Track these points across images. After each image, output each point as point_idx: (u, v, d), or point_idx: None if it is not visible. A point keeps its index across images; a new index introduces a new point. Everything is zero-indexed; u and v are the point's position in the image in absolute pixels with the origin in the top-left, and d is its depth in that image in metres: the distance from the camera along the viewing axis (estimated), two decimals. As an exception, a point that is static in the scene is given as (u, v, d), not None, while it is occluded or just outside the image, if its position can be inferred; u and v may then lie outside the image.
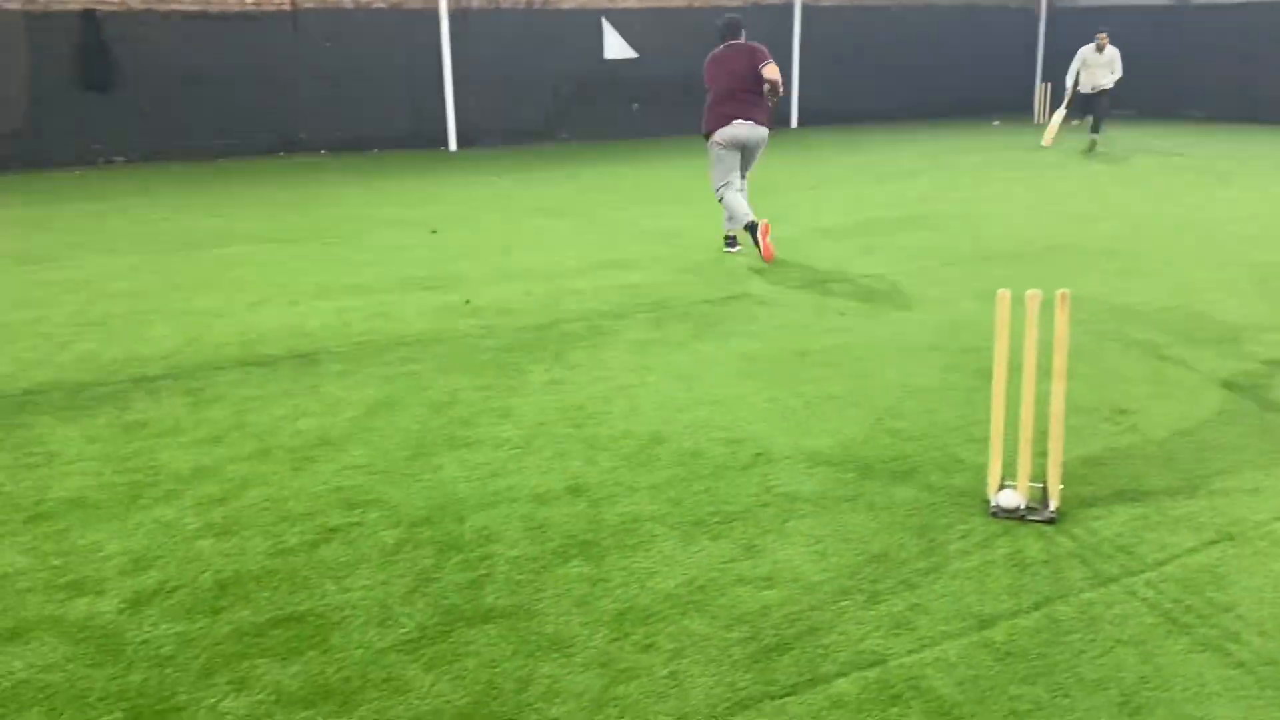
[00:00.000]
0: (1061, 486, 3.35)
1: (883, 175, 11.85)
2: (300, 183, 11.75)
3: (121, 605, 2.86)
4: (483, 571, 3.02)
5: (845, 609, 2.79)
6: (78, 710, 2.41)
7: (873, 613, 2.77)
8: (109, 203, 10.33)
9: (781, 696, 2.43)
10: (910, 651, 2.60)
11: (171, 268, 7.27)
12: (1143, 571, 2.96)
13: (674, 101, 15.36)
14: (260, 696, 2.46)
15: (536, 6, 15.42)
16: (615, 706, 2.41)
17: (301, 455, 3.89)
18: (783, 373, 4.79)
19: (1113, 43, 13.29)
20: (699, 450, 3.89)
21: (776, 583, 2.93)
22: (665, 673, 2.53)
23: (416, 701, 2.43)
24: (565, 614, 2.79)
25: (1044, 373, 3.34)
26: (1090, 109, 13.65)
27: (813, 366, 4.88)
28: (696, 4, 16.21)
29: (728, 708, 2.40)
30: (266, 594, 2.91)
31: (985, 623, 2.72)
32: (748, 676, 2.51)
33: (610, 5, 15.93)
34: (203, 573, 3.03)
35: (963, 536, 3.18)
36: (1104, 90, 13.35)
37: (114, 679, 2.53)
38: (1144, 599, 2.82)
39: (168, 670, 2.56)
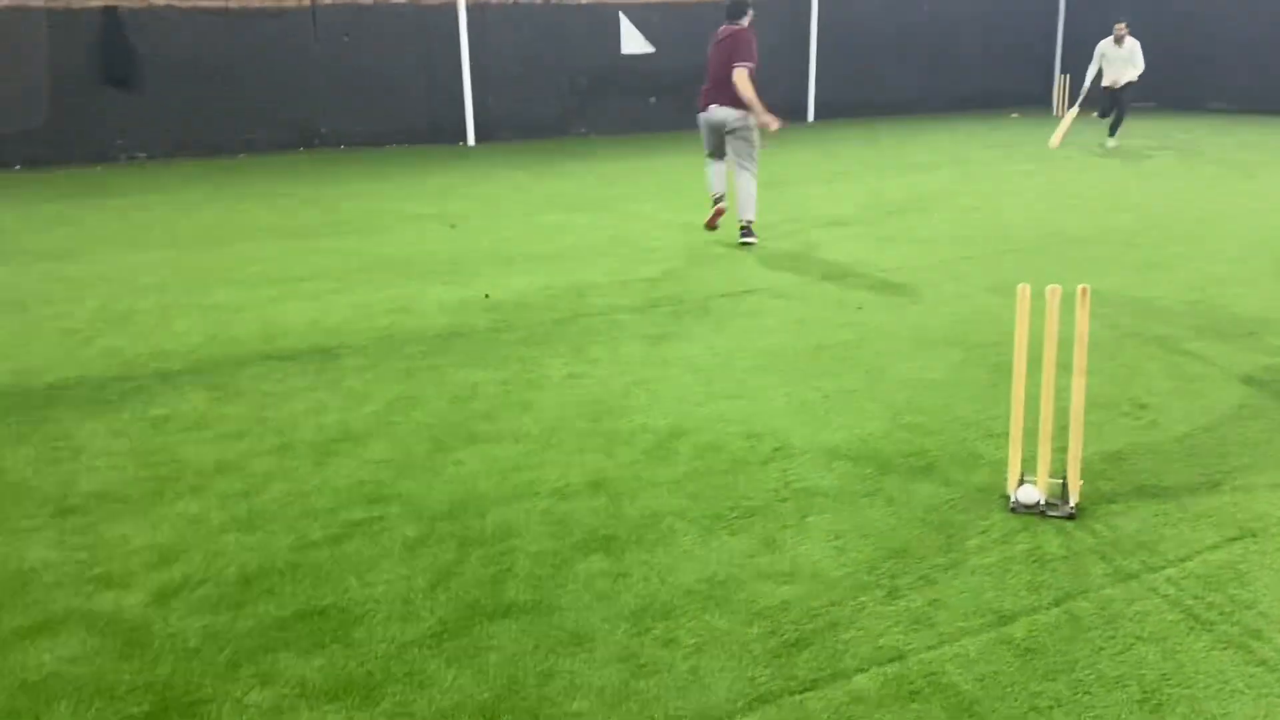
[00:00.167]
0: (1081, 482, 3.34)
1: (899, 168, 11.80)
2: (320, 178, 11.81)
3: (148, 599, 2.89)
4: (504, 566, 3.04)
5: (865, 604, 2.80)
6: (106, 702, 2.44)
7: (892, 608, 2.78)
8: (131, 199, 10.42)
9: (801, 692, 2.44)
10: (930, 647, 2.60)
11: (193, 263, 7.33)
12: (1164, 568, 2.96)
13: (691, 95, 15.20)
14: (284, 690, 2.49)
15: (554, 2, 15.42)
16: (636, 701, 2.42)
17: (323, 450, 3.93)
18: (800, 366, 4.80)
19: (1132, 34, 12.72)
20: (718, 444, 3.90)
21: (796, 578, 2.94)
22: (685, 668, 2.54)
23: (438, 695, 2.46)
24: (586, 609, 2.81)
25: (1063, 368, 3.33)
26: (1113, 105, 12.99)
27: (830, 360, 4.88)
28: (715, -3, 16.16)
29: (747, 703, 2.41)
30: (290, 588, 2.94)
31: (1005, 619, 2.72)
32: (767, 671, 2.52)
33: (627, 0, 15.92)
34: (227, 566, 3.07)
35: (982, 532, 3.18)
36: (1128, 84, 12.74)
37: (141, 671, 2.56)
38: (1165, 595, 2.81)
39: (193, 663, 2.59)
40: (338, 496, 3.52)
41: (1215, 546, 3.07)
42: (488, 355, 5.07)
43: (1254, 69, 17.15)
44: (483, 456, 3.84)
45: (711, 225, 7.90)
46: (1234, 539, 3.12)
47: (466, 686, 2.48)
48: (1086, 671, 2.50)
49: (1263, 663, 2.52)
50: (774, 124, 7.38)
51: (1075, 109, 13.10)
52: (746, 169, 7.54)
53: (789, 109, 17.42)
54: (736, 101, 7.37)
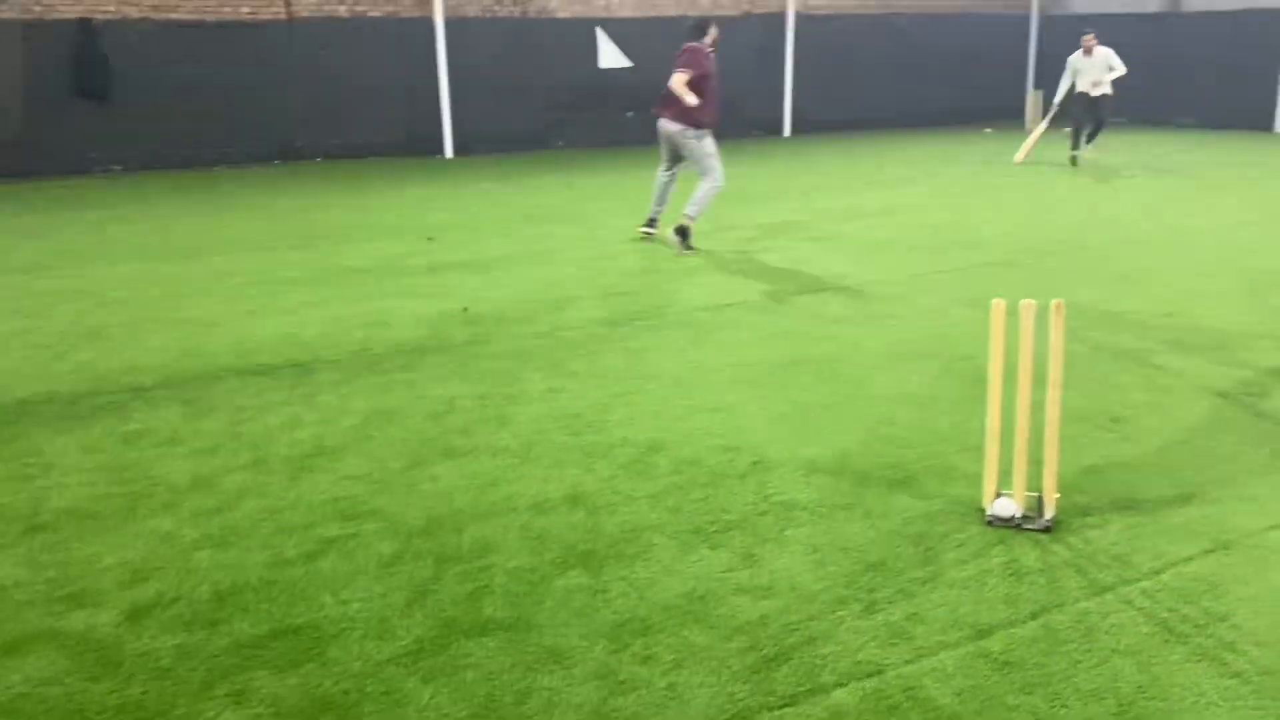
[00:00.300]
0: (1057, 495, 3.36)
1: (875, 183, 11.88)
2: (296, 191, 11.76)
3: (120, 617, 2.85)
4: (481, 583, 3.02)
5: (843, 618, 2.80)
6: (76, 723, 2.41)
7: (870, 622, 2.78)
8: (105, 212, 10.33)
9: (780, 707, 2.44)
10: (908, 661, 2.61)
11: (168, 277, 7.27)
12: (1138, 580, 2.98)
13: (669, 109, 15.36)
14: (259, 709, 2.46)
15: (532, 16, 15.45)
16: (614, 719, 2.41)
17: (298, 465, 3.90)
18: (779, 380, 4.81)
19: (1102, 44, 12.53)
20: (697, 458, 3.90)
21: (775, 592, 2.94)
22: (664, 684, 2.53)
23: (415, 714, 2.44)
24: (564, 625, 2.79)
25: (1038, 381, 3.35)
26: (1092, 114, 12.81)
27: (808, 374, 4.89)
28: (691, 14, 16.24)
29: (727, 719, 2.40)
30: (264, 606, 2.91)
31: (982, 632, 2.73)
32: (746, 687, 2.51)
33: (605, 15, 15.98)
34: (201, 584, 3.03)
35: (959, 545, 3.20)
36: (1105, 95, 12.62)
37: (113, 692, 2.52)
38: (1140, 608, 2.83)
39: (167, 683, 2.56)
40: (312, 512, 3.49)
41: (1189, 559, 3.10)
42: (465, 369, 5.06)
43: (1222, 86, 17.40)
44: (460, 471, 3.82)
45: (644, 235, 8.27)
46: (1208, 551, 3.14)
47: (444, 705, 2.47)
48: (1063, 684, 2.51)
49: (1237, 675, 2.53)
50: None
51: (1044, 124, 13.09)
52: (705, 177, 7.90)
53: (765, 124, 17.61)
54: (683, 116, 7.71)
